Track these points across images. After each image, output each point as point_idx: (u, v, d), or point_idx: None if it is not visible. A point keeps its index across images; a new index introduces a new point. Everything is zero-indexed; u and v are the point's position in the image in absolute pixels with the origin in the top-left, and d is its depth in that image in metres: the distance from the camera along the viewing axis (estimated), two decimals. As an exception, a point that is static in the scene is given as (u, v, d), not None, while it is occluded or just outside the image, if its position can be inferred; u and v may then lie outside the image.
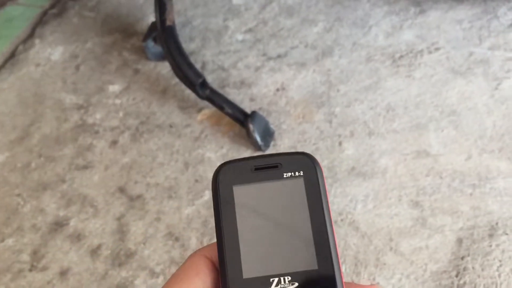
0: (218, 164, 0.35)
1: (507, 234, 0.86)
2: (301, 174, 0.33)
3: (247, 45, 1.26)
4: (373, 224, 0.91)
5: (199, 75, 1.08)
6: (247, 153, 1.04)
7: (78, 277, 0.91)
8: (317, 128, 1.06)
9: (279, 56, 1.22)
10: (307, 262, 0.31)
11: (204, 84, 1.08)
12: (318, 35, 1.25)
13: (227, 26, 1.32)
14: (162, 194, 1.00)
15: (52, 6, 1.46)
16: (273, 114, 1.10)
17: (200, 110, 1.14)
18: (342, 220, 0.92)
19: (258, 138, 1.02)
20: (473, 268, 0.83)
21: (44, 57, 1.32)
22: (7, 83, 1.27)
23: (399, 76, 1.13)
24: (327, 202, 0.33)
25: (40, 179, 1.06)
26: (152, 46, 1.24)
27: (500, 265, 0.83)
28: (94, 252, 0.94)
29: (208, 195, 0.98)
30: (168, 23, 1.12)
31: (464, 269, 0.83)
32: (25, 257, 0.95)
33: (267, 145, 1.04)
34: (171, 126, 1.12)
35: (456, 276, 0.83)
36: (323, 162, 1.00)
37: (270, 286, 0.31)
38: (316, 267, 0.31)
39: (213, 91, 1.08)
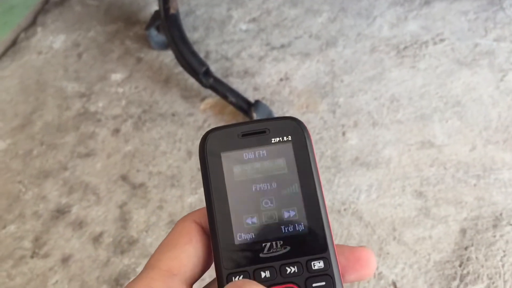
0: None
1: (511, 224, 0.86)
2: (289, 138, 0.33)
3: (251, 34, 1.25)
4: (376, 214, 0.90)
5: (202, 63, 1.07)
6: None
7: (80, 264, 0.91)
8: (320, 118, 1.06)
9: (282, 46, 1.21)
10: (298, 226, 0.32)
11: (208, 72, 1.08)
12: (322, 25, 1.24)
13: (230, 15, 1.31)
14: (165, 183, 1.00)
15: (55, -6, 1.45)
16: (276, 104, 1.10)
17: (203, 99, 1.13)
18: (345, 209, 0.91)
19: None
20: (476, 258, 0.83)
21: (46, 45, 1.31)
22: (9, 70, 1.27)
23: (404, 67, 1.12)
24: (316, 166, 0.33)
25: (42, 166, 1.06)
26: (155, 35, 1.23)
27: (504, 255, 0.83)
28: (96, 239, 0.94)
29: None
30: (171, 11, 1.12)
31: (468, 259, 0.83)
32: (27, 244, 0.94)
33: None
34: (173, 115, 1.11)
35: (460, 266, 0.82)
36: (327, 152, 1.00)
37: (263, 251, 0.31)
38: (307, 231, 0.31)
39: (216, 79, 1.07)
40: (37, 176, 1.04)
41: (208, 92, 1.11)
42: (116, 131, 1.10)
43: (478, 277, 0.81)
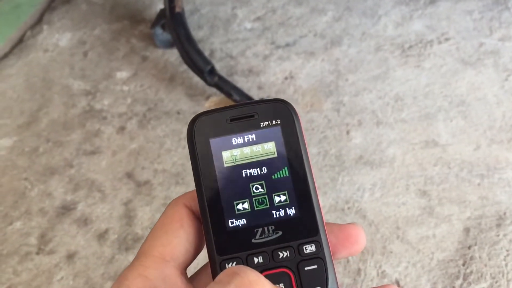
0: None
1: (515, 224, 0.86)
2: (278, 122, 0.33)
3: (256, 33, 1.26)
4: (380, 212, 0.90)
5: (207, 62, 1.08)
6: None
7: (85, 260, 0.91)
8: (325, 116, 1.06)
9: (287, 45, 1.22)
10: (289, 210, 0.32)
11: (213, 71, 1.08)
12: (327, 24, 1.25)
13: (235, 14, 1.31)
14: (170, 180, 1.00)
15: (61, -7, 1.46)
16: (281, 102, 1.10)
17: (208, 97, 1.14)
18: (349, 208, 0.92)
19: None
20: (480, 257, 0.83)
21: (52, 43, 1.32)
22: (15, 68, 1.28)
23: (408, 66, 1.12)
24: (305, 149, 0.32)
25: (48, 163, 1.06)
26: (161, 33, 1.23)
27: (507, 255, 0.83)
28: (101, 236, 0.94)
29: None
30: (177, 9, 1.12)
31: (471, 258, 0.83)
32: (33, 240, 0.95)
33: (274, 133, 1.03)
34: (178, 113, 1.12)
35: (463, 265, 0.83)
36: (331, 151, 1.00)
37: (255, 237, 0.31)
38: (298, 214, 0.32)
39: (221, 78, 1.08)
40: (43, 173, 1.05)
41: (213, 90, 1.12)
42: (122, 128, 1.11)
43: (481, 276, 0.81)
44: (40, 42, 1.33)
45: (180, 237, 0.32)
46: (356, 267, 0.85)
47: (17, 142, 1.11)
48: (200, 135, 0.32)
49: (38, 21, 1.39)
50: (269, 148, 0.32)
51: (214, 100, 1.13)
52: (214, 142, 0.32)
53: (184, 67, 1.17)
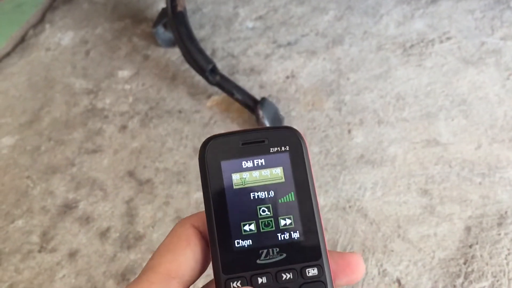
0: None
1: (516, 223, 0.86)
2: (287, 149, 0.34)
3: (257, 32, 1.26)
4: (381, 211, 0.91)
5: (209, 61, 1.08)
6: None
7: (86, 259, 0.92)
8: (326, 116, 1.06)
9: (289, 44, 1.22)
10: (294, 233, 0.33)
11: (214, 70, 1.08)
12: (329, 23, 1.25)
13: (237, 13, 1.31)
14: (171, 179, 1.00)
15: (63, -8, 1.46)
16: (282, 102, 1.10)
17: (209, 96, 1.14)
18: (350, 207, 0.92)
19: (267, 125, 1.02)
20: (481, 256, 0.83)
21: (54, 42, 1.33)
22: (18, 67, 1.28)
23: (410, 65, 1.12)
24: (311, 175, 0.34)
25: (50, 162, 1.07)
26: (162, 32, 1.24)
27: (509, 254, 0.83)
28: (103, 234, 0.94)
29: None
30: (179, 8, 1.12)
31: (472, 257, 0.83)
32: (35, 238, 0.95)
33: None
34: (180, 112, 1.12)
35: (464, 263, 0.83)
36: (332, 150, 1.00)
37: (260, 257, 0.32)
38: (302, 238, 0.33)
39: (223, 77, 1.08)
40: (45, 171, 1.05)
41: (215, 89, 1.12)
42: (123, 127, 1.11)
43: (482, 275, 0.81)
44: (42, 41, 1.33)
45: (186, 255, 0.32)
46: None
47: (19, 141, 1.12)
48: (211, 156, 0.34)
49: (40, 20, 1.39)
50: (277, 173, 0.34)
51: (216, 99, 1.13)
52: (225, 164, 0.34)
53: (186, 66, 1.17)
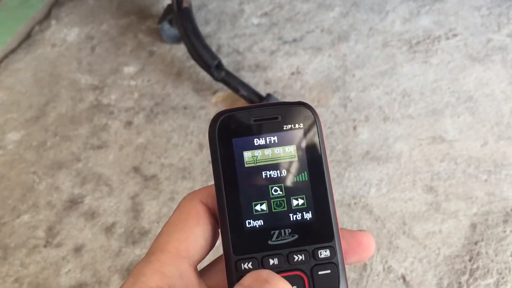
0: None
1: (522, 220, 0.86)
2: (301, 126, 0.33)
3: (263, 29, 1.26)
4: (386, 208, 0.90)
5: (214, 57, 1.08)
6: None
7: (92, 253, 0.92)
8: (332, 112, 1.06)
9: (294, 40, 1.22)
10: (306, 214, 0.32)
11: (220, 66, 1.08)
12: (335, 20, 1.24)
13: (242, 9, 1.31)
14: (176, 175, 1.01)
15: (69, -12, 1.46)
16: (288, 98, 1.10)
17: (214, 92, 1.14)
18: (355, 203, 0.92)
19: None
20: (486, 253, 0.83)
21: (60, 38, 1.33)
22: (23, 63, 1.28)
23: (416, 62, 1.12)
24: (325, 155, 0.33)
25: (56, 157, 1.07)
26: (168, 28, 1.24)
27: (514, 251, 0.83)
28: (108, 230, 0.95)
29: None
30: (184, 4, 1.12)
31: (478, 254, 0.83)
32: (40, 233, 0.96)
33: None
34: (185, 108, 1.12)
35: (469, 260, 0.82)
36: (338, 146, 1.00)
37: (271, 238, 0.31)
38: (315, 219, 0.32)
39: (228, 73, 1.08)
40: (51, 167, 1.05)
41: (220, 85, 1.12)
42: (129, 123, 1.11)
43: (487, 271, 0.81)
44: (48, 37, 1.34)
45: (196, 234, 0.32)
46: (362, 262, 0.84)
47: (25, 136, 1.12)
48: (222, 133, 0.32)
49: (46, 16, 1.39)
50: (290, 151, 0.32)
51: (221, 95, 1.13)
52: (236, 141, 0.32)
53: (191, 62, 1.17)
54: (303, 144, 0.32)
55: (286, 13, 1.28)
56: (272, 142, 0.32)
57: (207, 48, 1.10)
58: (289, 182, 0.32)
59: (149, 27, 1.31)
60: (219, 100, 1.12)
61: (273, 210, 0.32)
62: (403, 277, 0.82)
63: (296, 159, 0.32)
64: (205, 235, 0.32)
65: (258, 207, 0.32)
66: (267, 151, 0.32)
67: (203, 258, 0.33)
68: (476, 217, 0.87)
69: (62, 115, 1.15)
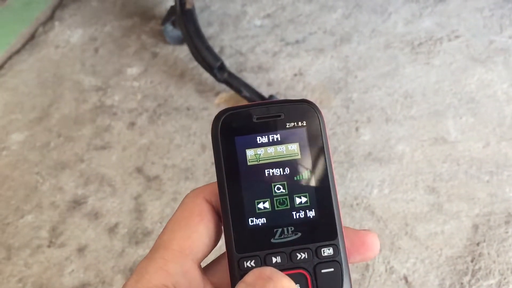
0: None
1: (524, 221, 0.86)
2: (304, 124, 0.32)
3: (265, 30, 1.26)
4: (388, 208, 0.91)
5: (217, 58, 1.08)
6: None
7: (95, 254, 0.92)
8: (334, 113, 1.07)
9: (297, 42, 1.22)
10: (309, 212, 0.32)
11: (222, 67, 1.09)
12: (337, 21, 1.25)
13: (245, 11, 1.32)
14: (179, 175, 1.01)
15: (72, -11, 1.47)
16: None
17: (217, 93, 1.14)
18: (357, 204, 0.92)
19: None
20: (488, 254, 0.83)
21: (63, 40, 1.33)
22: (27, 64, 1.29)
23: (418, 63, 1.12)
24: (329, 153, 0.32)
25: (59, 158, 1.08)
26: (171, 30, 1.24)
27: (516, 252, 0.83)
28: (112, 230, 0.95)
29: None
30: (187, 6, 1.13)
31: (480, 254, 0.83)
32: (44, 233, 0.96)
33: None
34: (188, 109, 1.13)
35: (472, 261, 0.83)
36: (340, 147, 1.00)
37: (274, 236, 0.31)
38: (318, 217, 0.32)
39: (231, 74, 1.08)
40: (54, 167, 1.06)
41: (222, 86, 1.13)
42: (132, 124, 1.12)
43: (489, 272, 0.81)
44: (51, 39, 1.34)
45: (199, 231, 0.31)
46: (364, 262, 0.85)
47: (28, 137, 1.12)
48: (225, 131, 0.32)
49: (50, 18, 1.40)
50: (293, 149, 0.32)
51: (224, 96, 1.13)
52: (239, 139, 0.32)
53: (194, 63, 1.17)
54: (306, 142, 0.32)
55: (289, 14, 1.29)
56: (275, 140, 0.32)
57: (210, 49, 1.10)
58: (292, 180, 0.32)
59: (152, 29, 1.32)
60: (221, 101, 1.13)
61: (276, 208, 0.32)
62: (405, 278, 0.82)
63: (299, 157, 0.32)
64: (209, 232, 0.32)
65: (261, 205, 0.32)
66: (270, 149, 0.32)
67: (207, 255, 0.33)
68: (478, 218, 0.87)
69: (65, 116, 1.15)
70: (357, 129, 1.03)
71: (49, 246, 0.95)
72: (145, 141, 1.08)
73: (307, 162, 0.32)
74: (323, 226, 0.32)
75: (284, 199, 0.32)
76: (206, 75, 1.16)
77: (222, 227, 0.32)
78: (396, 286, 0.82)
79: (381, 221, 0.89)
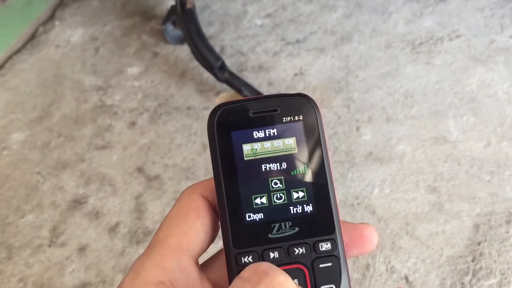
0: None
1: (525, 221, 0.86)
2: (301, 118, 0.32)
3: (266, 30, 1.26)
4: (389, 208, 0.91)
5: (218, 58, 1.08)
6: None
7: (96, 253, 0.92)
8: (335, 113, 1.07)
9: (297, 41, 1.22)
10: (307, 207, 0.32)
11: (223, 67, 1.09)
12: (338, 21, 1.25)
13: (246, 10, 1.32)
14: (180, 175, 1.01)
15: (73, -11, 1.47)
16: (291, 99, 1.10)
17: (218, 93, 1.14)
18: (358, 204, 0.92)
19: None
20: (489, 253, 0.83)
21: (64, 39, 1.33)
22: (28, 64, 1.29)
23: (419, 63, 1.12)
24: (326, 147, 0.32)
25: (60, 157, 1.08)
26: (172, 29, 1.24)
27: (517, 252, 0.83)
28: (112, 229, 0.95)
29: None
30: (188, 5, 1.13)
31: (481, 254, 0.83)
32: (45, 233, 0.96)
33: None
34: (189, 109, 1.12)
35: (472, 261, 0.83)
36: (341, 147, 1.00)
37: (271, 231, 0.31)
38: (315, 212, 0.32)
39: (231, 74, 1.08)
40: (55, 167, 1.06)
41: (223, 86, 1.13)
42: (132, 124, 1.12)
43: (490, 272, 0.81)
44: (52, 38, 1.34)
45: (196, 227, 0.31)
46: (365, 262, 0.85)
47: (29, 137, 1.12)
48: (221, 126, 0.32)
49: (50, 17, 1.40)
50: (289, 144, 0.32)
51: (224, 96, 1.13)
52: (235, 134, 0.32)
53: (195, 63, 1.17)
54: (303, 136, 0.32)
55: (289, 14, 1.29)
56: (272, 134, 0.32)
57: (210, 49, 1.10)
58: (289, 174, 0.32)
59: (152, 28, 1.32)
60: (222, 100, 1.13)
61: (273, 203, 0.32)
62: (406, 278, 0.82)
63: (296, 151, 0.32)
64: (206, 228, 0.32)
65: (258, 200, 0.32)
66: (267, 144, 0.32)
67: (204, 251, 0.33)
68: (479, 218, 0.87)
69: (66, 115, 1.15)
70: (358, 128, 1.03)
71: (49, 246, 0.95)
72: (145, 140, 1.08)
73: (304, 157, 0.32)
74: (321, 220, 0.31)
75: (281, 194, 0.32)
76: (206, 75, 1.15)
77: (219, 222, 0.32)
78: (397, 285, 0.82)
79: (382, 221, 0.89)
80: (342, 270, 0.31)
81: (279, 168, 0.32)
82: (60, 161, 1.07)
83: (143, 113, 1.13)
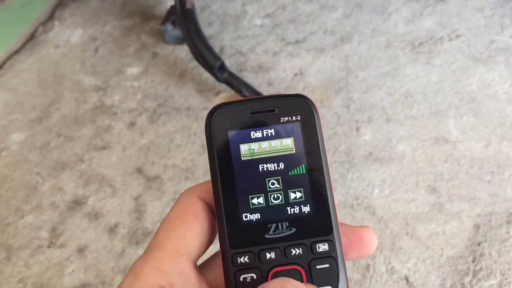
0: None
1: (525, 221, 0.86)
2: (298, 118, 0.32)
3: (266, 30, 1.26)
4: (389, 209, 0.90)
5: (217, 58, 1.08)
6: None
7: (95, 254, 0.92)
8: (334, 113, 1.06)
9: (297, 41, 1.22)
10: (304, 207, 0.31)
11: (223, 67, 1.08)
12: (337, 21, 1.25)
13: (245, 10, 1.31)
14: (179, 175, 1.01)
15: (72, -11, 1.46)
16: (290, 99, 1.10)
17: (217, 93, 1.14)
18: (358, 204, 0.92)
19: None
20: (489, 254, 0.83)
21: (63, 39, 1.33)
22: (27, 64, 1.29)
23: (419, 63, 1.12)
24: (324, 146, 0.32)
25: (59, 158, 1.07)
26: (171, 30, 1.24)
27: (518, 252, 0.82)
28: (112, 230, 0.95)
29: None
30: (187, 6, 1.13)
31: (481, 254, 0.83)
32: (44, 233, 0.96)
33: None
34: (188, 109, 1.12)
35: (473, 261, 0.82)
36: (341, 147, 1.00)
37: (268, 232, 0.31)
38: (313, 212, 0.31)
39: (231, 74, 1.08)
40: (54, 167, 1.06)
41: (223, 86, 1.12)
42: (132, 124, 1.11)
43: (491, 272, 0.81)
44: (51, 38, 1.34)
45: (194, 230, 0.31)
46: (365, 262, 0.85)
47: (28, 137, 1.12)
48: (218, 126, 0.32)
49: (50, 18, 1.40)
50: (287, 144, 0.32)
51: (224, 96, 1.13)
52: (232, 134, 0.32)
53: (194, 63, 1.17)
54: (301, 137, 0.32)
55: (289, 14, 1.28)
56: (269, 134, 0.32)
57: (210, 49, 1.10)
58: (286, 175, 0.32)
59: (152, 28, 1.32)
60: (222, 101, 1.12)
61: (270, 204, 0.31)
62: (406, 278, 0.82)
63: (293, 151, 0.32)
64: (204, 231, 0.32)
65: (255, 201, 0.31)
66: (264, 144, 0.32)
67: (202, 254, 0.33)
68: (479, 218, 0.87)
69: (65, 116, 1.15)
70: (357, 129, 1.03)
71: (49, 247, 0.94)
72: (145, 141, 1.08)
73: (302, 157, 0.32)
74: (318, 221, 0.31)
75: (278, 194, 0.32)
76: (206, 75, 1.15)
77: (216, 222, 0.32)
78: (397, 286, 0.82)
79: (382, 221, 0.89)
80: (340, 272, 0.31)
81: (276, 168, 0.32)
82: (59, 161, 1.07)
83: (142, 113, 1.13)
